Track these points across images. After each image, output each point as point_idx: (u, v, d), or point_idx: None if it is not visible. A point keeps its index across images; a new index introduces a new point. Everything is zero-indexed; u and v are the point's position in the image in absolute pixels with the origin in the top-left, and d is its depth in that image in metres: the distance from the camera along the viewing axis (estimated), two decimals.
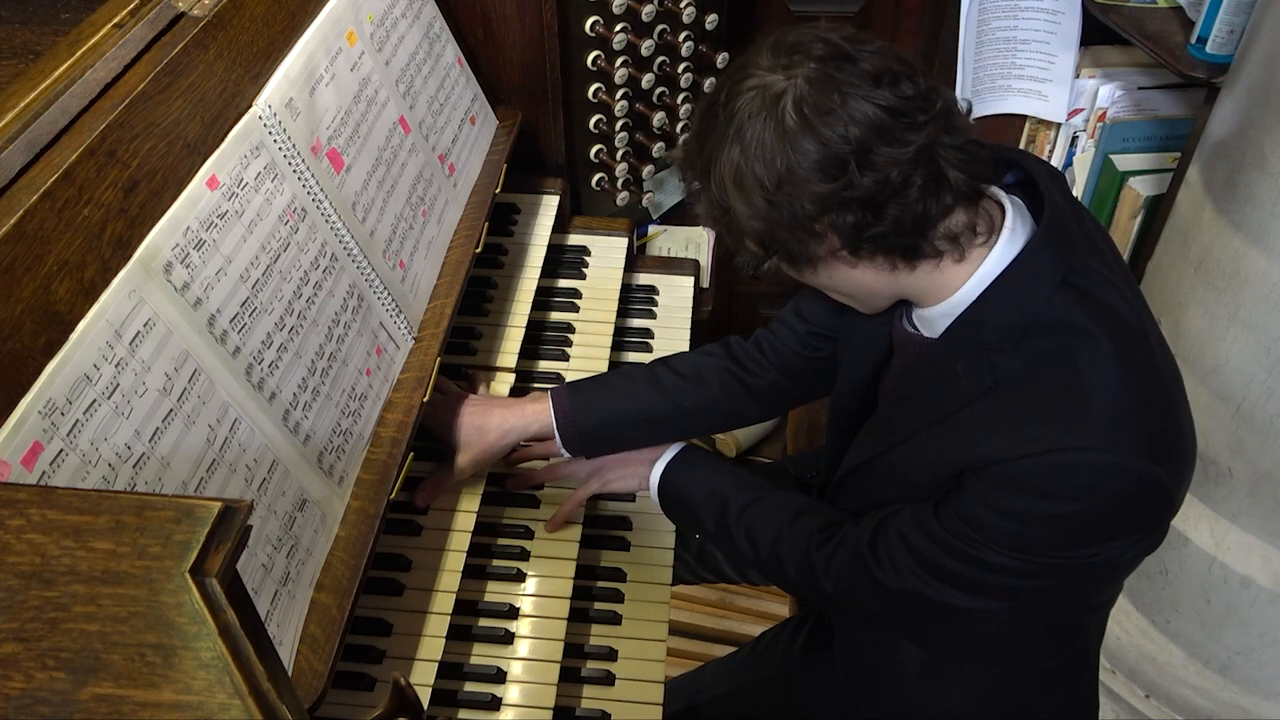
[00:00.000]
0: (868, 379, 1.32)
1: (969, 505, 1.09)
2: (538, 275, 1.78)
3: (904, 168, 1.00)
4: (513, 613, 1.41)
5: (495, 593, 1.44)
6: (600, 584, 1.52)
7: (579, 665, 1.43)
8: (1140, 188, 2.12)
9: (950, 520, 1.11)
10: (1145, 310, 1.14)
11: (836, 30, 1.06)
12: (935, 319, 1.14)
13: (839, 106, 0.99)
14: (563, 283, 1.91)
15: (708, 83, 1.97)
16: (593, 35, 1.77)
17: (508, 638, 1.39)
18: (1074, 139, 2.27)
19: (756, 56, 1.05)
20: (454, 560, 1.38)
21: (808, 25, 1.08)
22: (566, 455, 1.54)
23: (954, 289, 1.10)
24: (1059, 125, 2.26)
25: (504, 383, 1.62)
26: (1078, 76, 2.19)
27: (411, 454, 1.33)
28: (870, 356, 1.30)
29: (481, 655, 1.37)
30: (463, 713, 1.32)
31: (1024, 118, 2.30)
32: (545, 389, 1.52)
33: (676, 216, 2.21)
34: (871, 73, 1.00)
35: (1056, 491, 1.04)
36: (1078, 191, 2.24)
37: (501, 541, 1.50)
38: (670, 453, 1.48)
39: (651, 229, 2.19)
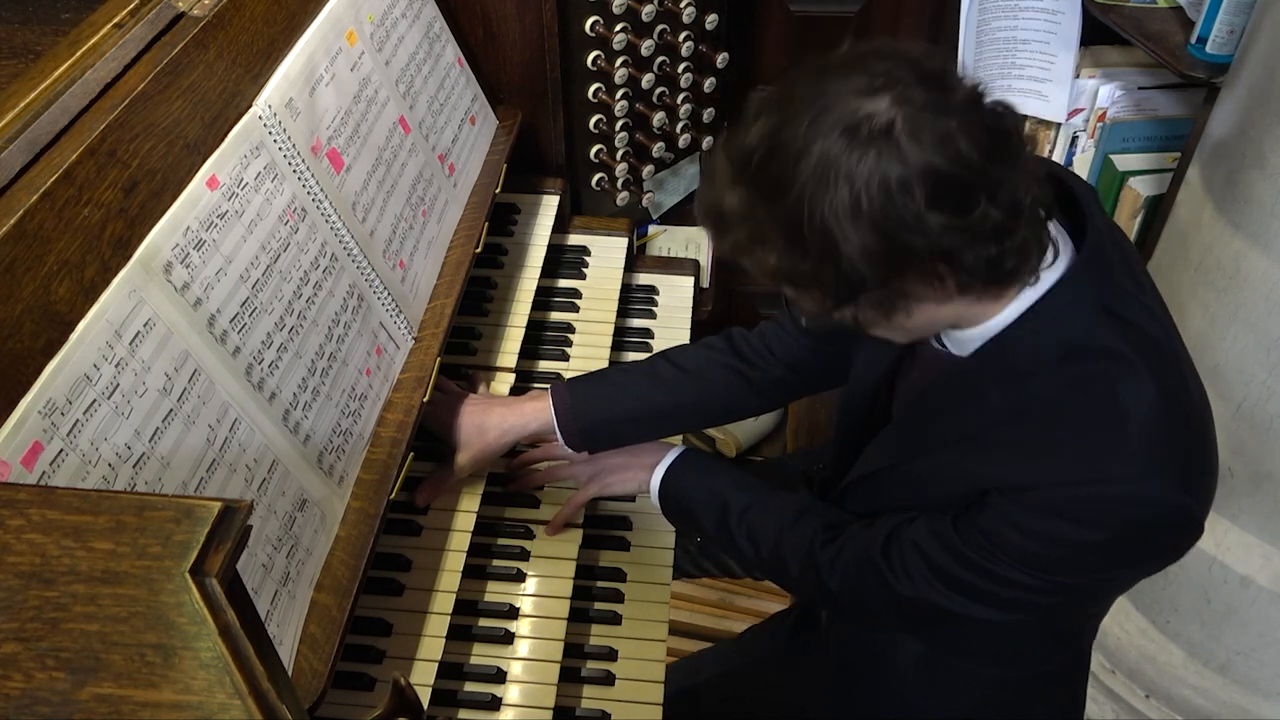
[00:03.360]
0: (881, 382, 1.30)
1: (993, 522, 1.07)
2: (538, 275, 1.78)
3: (1021, 191, 0.93)
4: (513, 613, 1.41)
5: (495, 593, 1.44)
6: (600, 584, 1.52)
7: (579, 665, 1.43)
8: (1140, 188, 2.12)
9: (970, 534, 1.09)
10: (1176, 332, 1.12)
11: (890, 42, 0.97)
12: (967, 340, 1.10)
13: (958, 133, 0.89)
14: (563, 283, 1.91)
15: (708, 83, 1.98)
16: (593, 35, 1.77)
17: (508, 638, 1.39)
18: (1074, 139, 2.27)
19: (822, 85, 0.93)
20: (454, 560, 1.38)
21: (856, 41, 0.98)
22: (568, 450, 1.54)
23: (994, 314, 1.05)
24: (1059, 125, 2.26)
25: (504, 383, 1.62)
26: (1078, 76, 2.19)
27: (411, 454, 1.33)
28: (885, 359, 1.28)
29: (481, 655, 1.37)
30: (463, 713, 1.32)
31: (1024, 118, 2.29)
32: (545, 389, 1.52)
33: (676, 216, 2.21)
34: (968, 93, 0.93)
35: (1088, 520, 1.02)
36: None
37: (501, 541, 1.49)
38: (669, 457, 1.47)
39: (651, 229, 2.19)
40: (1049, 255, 1.03)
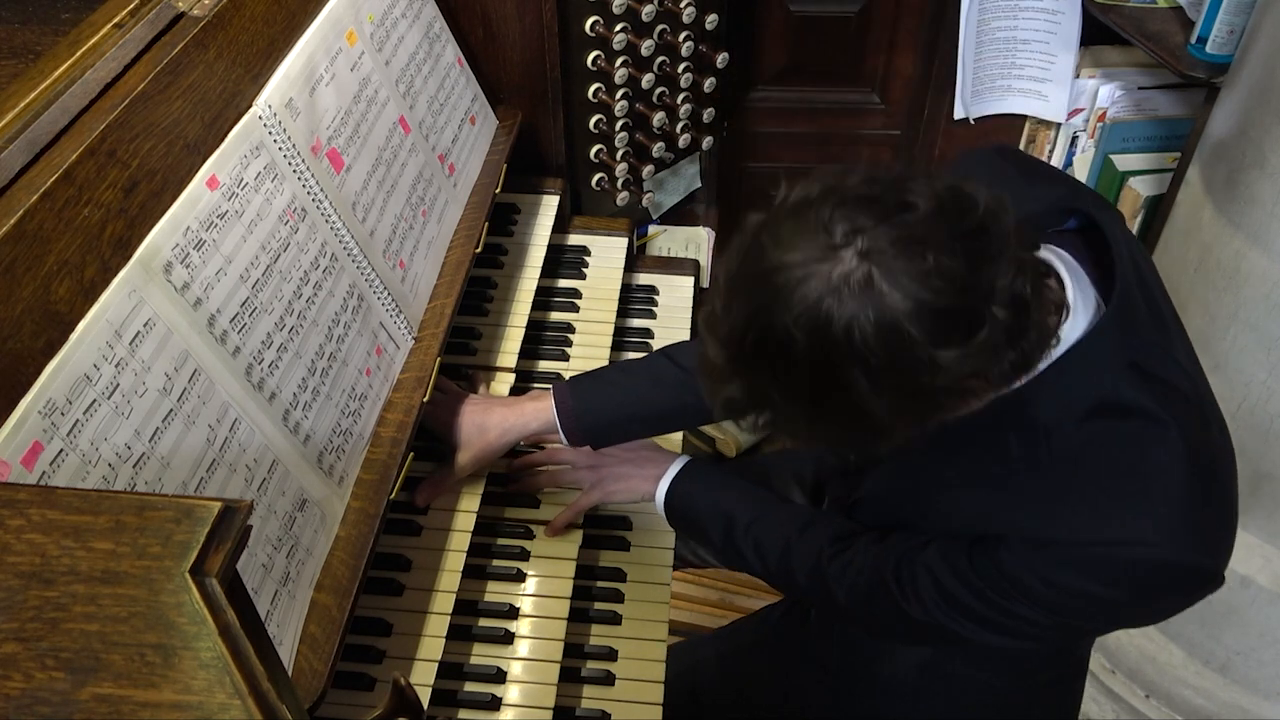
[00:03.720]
0: None
1: (1011, 565, 1.05)
2: (538, 275, 1.78)
3: (1017, 279, 0.88)
4: (513, 613, 1.41)
5: (495, 593, 1.44)
6: (600, 584, 1.52)
7: (579, 665, 1.43)
8: (1140, 188, 2.13)
9: (986, 570, 1.07)
10: (1202, 378, 1.10)
11: (827, 176, 0.91)
12: None
13: (936, 258, 0.84)
14: (563, 283, 1.91)
15: (708, 83, 1.97)
16: (593, 35, 1.77)
17: (508, 638, 1.39)
18: (1074, 139, 2.27)
19: (783, 256, 0.87)
20: (454, 560, 1.38)
21: (789, 183, 0.91)
22: (569, 450, 1.54)
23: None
24: (1059, 125, 2.26)
25: (504, 383, 1.62)
26: (1078, 76, 2.19)
27: (411, 454, 1.32)
28: None
29: (481, 655, 1.37)
30: (463, 713, 1.32)
31: (1024, 118, 2.30)
32: (545, 389, 1.52)
33: (676, 216, 2.21)
34: (927, 201, 0.87)
35: (1111, 580, 1.01)
36: None
37: (501, 541, 1.49)
38: (673, 469, 1.46)
39: (651, 229, 2.19)
40: (1068, 311, 1.00)
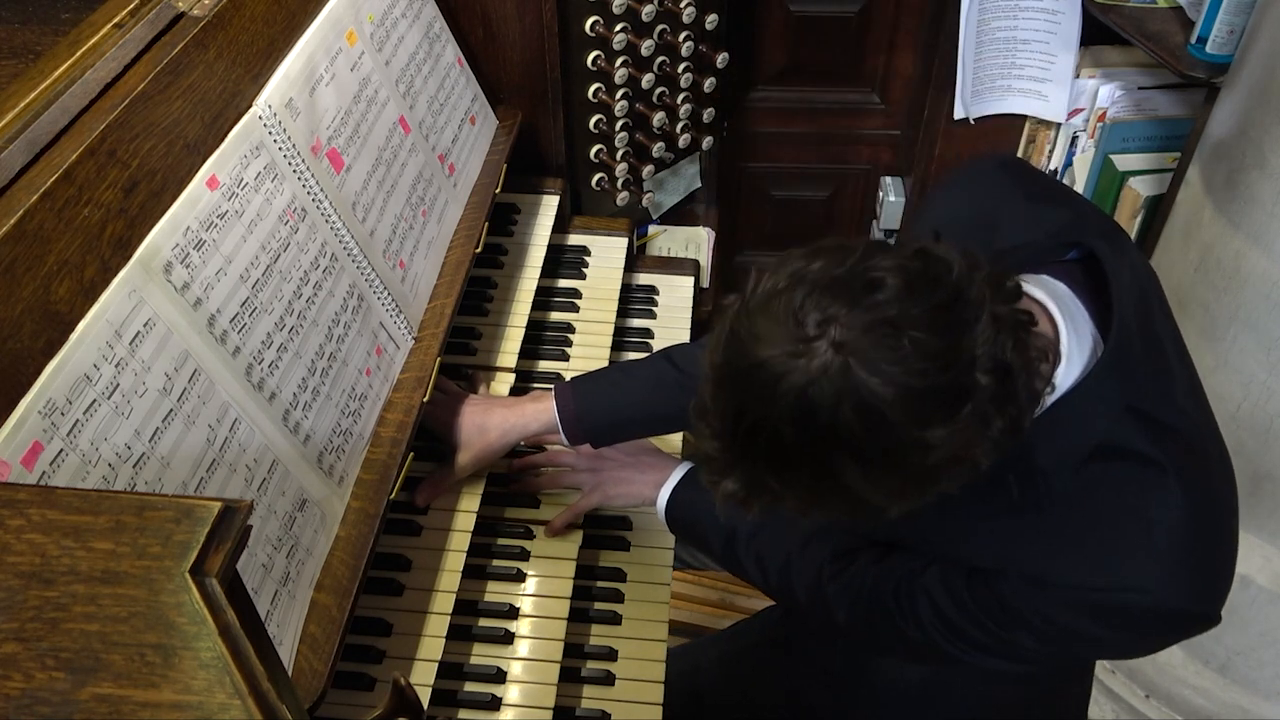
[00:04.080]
0: None
1: (1009, 597, 1.05)
2: (538, 275, 1.78)
3: (997, 341, 0.85)
4: (513, 613, 1.41)
5: (495, 593, 1.44)
6: (600, 584, 1.52)
7: (579, 665, 1.43)
8: (1140, 188, 2.12)
9: (985, 600, 1.07)
10: (1205, 415, 1.09)
11: (791, 259, 0.89)
12: None
13: (911, 339, 0.82)
14: (563, 283, 1.91)
15: (708, 83, 1.98)
16: (593, 35, 1.77)
17: (508, 638, 1.39)
18: (1074, 139, 2.27)
19: (757, 352, 0.86)
20: (454, 560, 1.38)
21: (774, 267, 0.89)
22: (569, 450, 1.53)
23: None
24: (1059, 125, 2.26)
25: (504, 383, 1.62)
26: (1078, 76, 2.19)
27: (411, 454, 1.32)
28: None
29: (481, 655, 1.37)
30: (463, 713, 1.32)
31: (1024, 118, 2.30)
32: (545, 389, 1.52)
33: (676, 216, 2.21)
34: (894, 278, 0.84)
35: (1108, 623, 1.02)
36: (1078, 191, 2.24)
37: (501, 541, 1.49)
38: (674, 477, 1.45)
39: (651, 229, 2.19)
40: (1061, 358, 0.98)
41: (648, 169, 1.99)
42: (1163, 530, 0.99)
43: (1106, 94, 2.17)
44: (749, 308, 0.89)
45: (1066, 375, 1.00)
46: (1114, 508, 1.01)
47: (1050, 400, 0.98)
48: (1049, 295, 1.02)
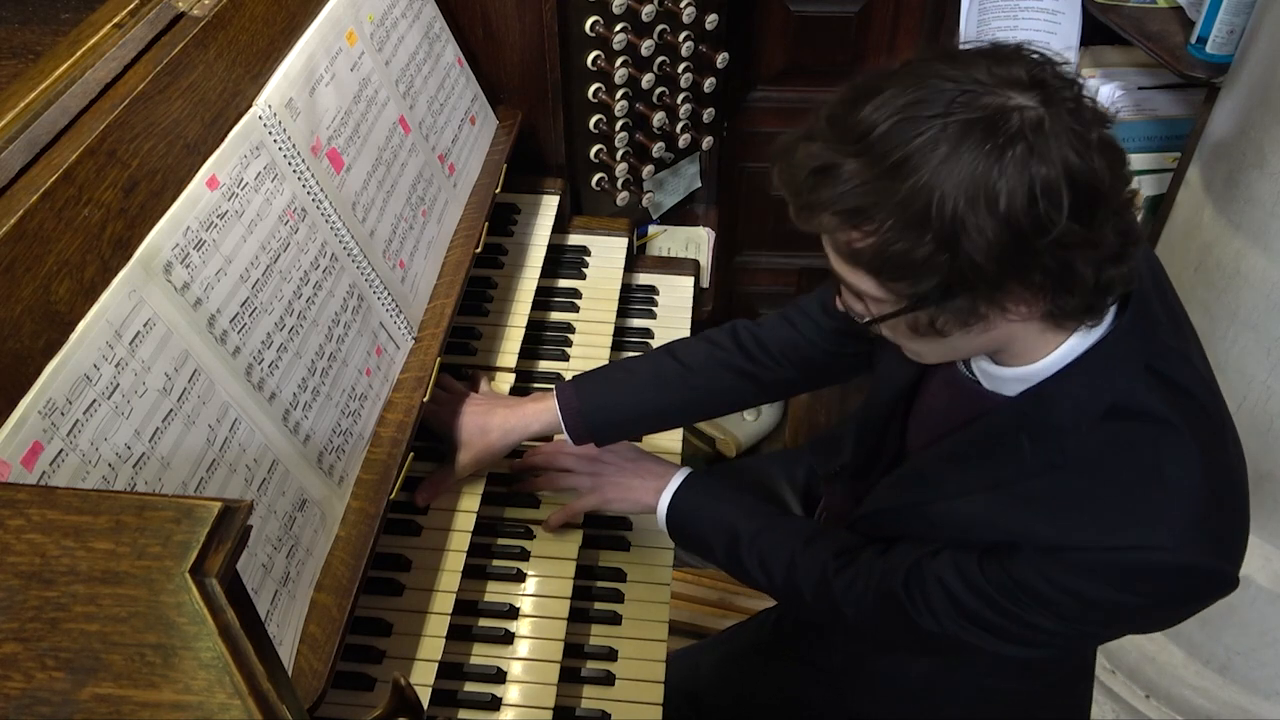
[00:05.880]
0: (901, 396, 1.28)
1: (1024, 573, 1.05)
2: (538, 275, 1.78)
3: (1132, 220, 0.93)
4: (513, 613, 1.41)
5: (495, 593, 1.44)
6: (600, 584, 1.52)
7: (579, 665, 1.43)
8: (1140, 188, 2.12)
9: (998, 578, 1.07)
10: (1215, 384, 1.10)
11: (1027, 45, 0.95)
12: (1004, 379, 1.08)
13: (1096, 144, 0.90)
14: (563, 283, 1.91)
15: (708, 83, 1.98)
16: (593, 35, 1.77)
17: (508, 638, 1.39)
18: None
19: (969, 69, 0.90)
20: (454, 560, 1.38)
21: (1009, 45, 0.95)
22: (569, 451, 1.53)
23: (1037, 356, 1.03)
24: None
25: (504, 383, 1.62)
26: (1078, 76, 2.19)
27: (411, 454, 1.33)
28: (905, 376, 1.25)
29: (481, 655, 1.37)
30: (463, 713, 1.32)
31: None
32: (545, 389, 1.52)
33: (676, 216, 2.21)
34: (1099, 111, 0.93)
35: (1126, 586, 1.01)
36: None
37: (501, 541, 1.49)
38: (674, 483, 1.44)
39: (651, 229, 2.19)
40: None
41: (648, 169, 1.99)
42: (1178, 487, 0.99)
43: (1106, 94, 2.17)
44: (979, 50, 0.95)
45: (1088, 334, 1.01)
46: (1129, 466, 1.01)
47: (1071, 357, 1.01)
48: None
